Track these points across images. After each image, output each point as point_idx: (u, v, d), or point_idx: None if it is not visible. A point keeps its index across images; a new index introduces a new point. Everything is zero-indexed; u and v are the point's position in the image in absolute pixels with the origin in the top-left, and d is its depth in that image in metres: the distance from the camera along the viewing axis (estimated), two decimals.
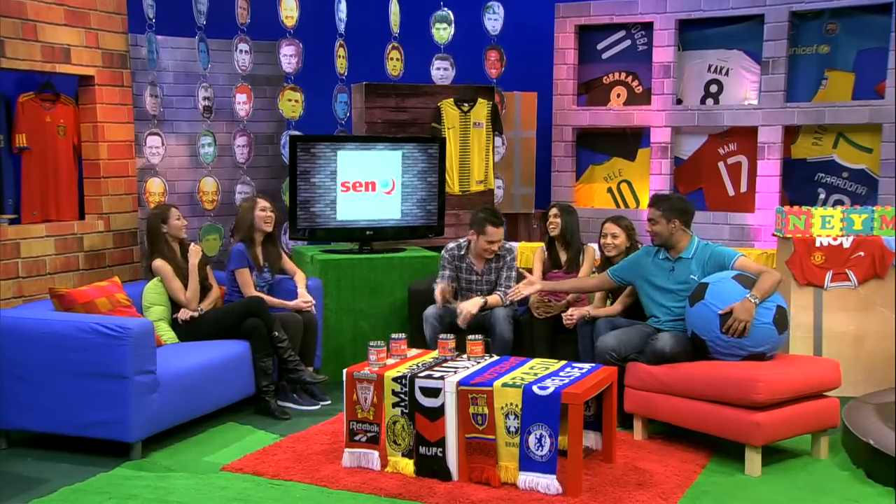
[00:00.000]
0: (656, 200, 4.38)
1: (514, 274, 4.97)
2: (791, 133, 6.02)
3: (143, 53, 5.89)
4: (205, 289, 4.87)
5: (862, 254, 4.93)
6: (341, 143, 5.66)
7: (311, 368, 4.89)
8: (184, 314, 4.70)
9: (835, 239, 4.99)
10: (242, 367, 4.59)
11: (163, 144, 5.94)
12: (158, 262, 4.73)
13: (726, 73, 6.27)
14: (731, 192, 6.29)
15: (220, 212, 6.27)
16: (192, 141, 6.28)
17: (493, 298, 4.88)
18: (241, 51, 6.16)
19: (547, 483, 3.51)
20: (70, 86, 5.55)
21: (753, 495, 3.55)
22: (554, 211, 5.07)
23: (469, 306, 4.76)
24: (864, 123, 5.74)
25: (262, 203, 4.98)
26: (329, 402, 4.79)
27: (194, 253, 4.83)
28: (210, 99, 6.15)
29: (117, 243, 5.47)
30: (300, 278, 5.09)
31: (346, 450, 3.87)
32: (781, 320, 3.97)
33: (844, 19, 5.82)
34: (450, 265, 5.01)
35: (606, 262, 4.79)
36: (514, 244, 5.44)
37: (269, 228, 4.99)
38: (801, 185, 6.03)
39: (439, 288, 4.88)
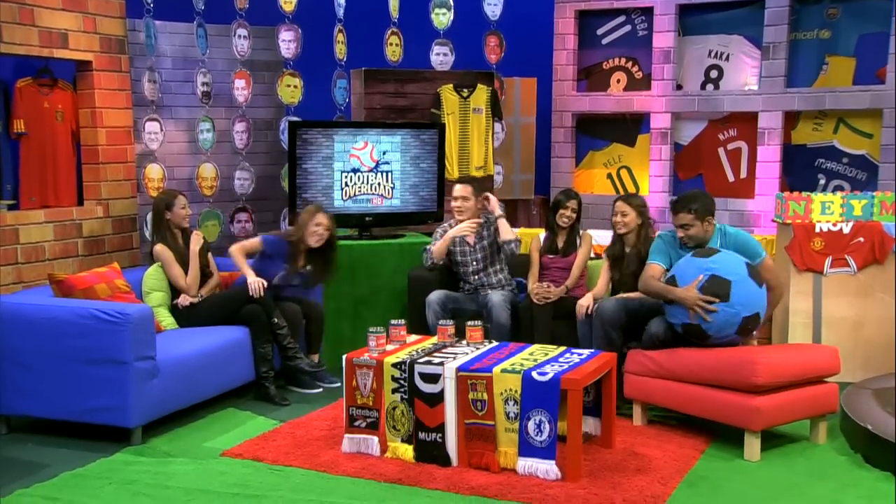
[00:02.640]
0: (685, 203, 4.17)
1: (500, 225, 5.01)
2: (791, 119, 6.00)
3: (141, 39, 5.86)
4: (205, 276, 4.87)
5: (861, 239, 4.93)
6: (340, 128, 5.65)
7: (316, 356, 4.91)
8: (184, 300, 4.70)
9: (834, 225, 4.98)
10: (242, 353, 4.60)
11: (161, 130, 5.92)
12: (159, 248, 4.73)
13: (726, 59, 6.25)
14: (731, 178, 6.28)
15: (220, 198, 6.26)
16: (191, 127, 6.26)
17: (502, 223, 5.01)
18: (239, 36, 6.13)
19: (546, 468, 3.52)
20: (68, 71, 5.53)
21: (752, 480, 3.56)
22: (573, 205, 5.01)
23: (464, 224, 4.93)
24: (865, 109, 5.72)
25: (319, 217, 4.90)
26: (338, 383, 4.79)
27: (195, 239, 4.82)
28: (209, 84, 6.13)
29: (116, 229, 5.47)
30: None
31: (346, 435, 3.88)
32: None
33: (845, 4, 5.79)
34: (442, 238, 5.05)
35: (618, 241, 4.76)
36: (514, 230, 5.42)
37: (315, 243, 4.91)
38: (801, 170, 6.02)
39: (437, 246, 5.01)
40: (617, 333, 4.33)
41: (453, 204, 5.04)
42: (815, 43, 5.91)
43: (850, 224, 4.96)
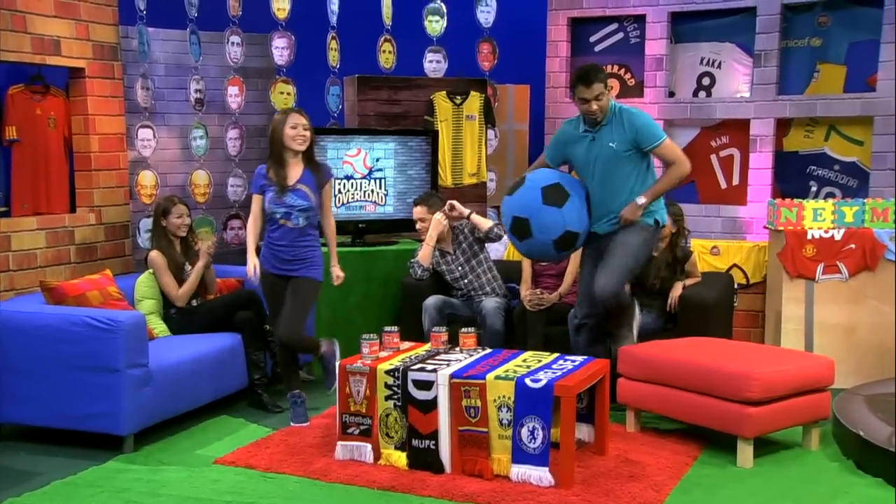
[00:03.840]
0: (596, 72, 4.11)
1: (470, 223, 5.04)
2: (783, 126, 6.03)
3: (134, 45, 5.85)
4: (203, 283, 4.83)
5: (853, 246, 4.95)
6: (333, 135, 5.65)
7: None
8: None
9: (826, 231, 5.00)
10: (235, 360, 4.59)
11: (154, 137, 5.91)
12: (154, 254, 4.72)
13: (718, 66, 6.27)
14: (723, 185, 6.29)
15: (213, 204, 6.26)
16: (184, 134, 6.25)
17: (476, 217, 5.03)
18: (232, 43, 6.14)
19: (539, 475, 3.52)
20: (60, 78, 5.52)
21: (745, 487, 3.57)
22: None
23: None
24: (856, 116, 5.75)
25: (294, 118, 4.26)
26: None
27: (204, 254, 4.76)
28: (202, 91, 6.13)
29: (109, 236, 5.45)
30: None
31: (339, 442, 3.87)
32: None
33: (836, 12, 5.82)
34: None
35: None
36: (505, 236, 5.42)
37: (300, 146, 4.27)
38: (793, 177, 6.04)
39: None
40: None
41: (419, 225, 5.06)
42: (806, 51, 5.94)
43: (842, 231, 4.98)
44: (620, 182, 4.19)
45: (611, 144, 4.18)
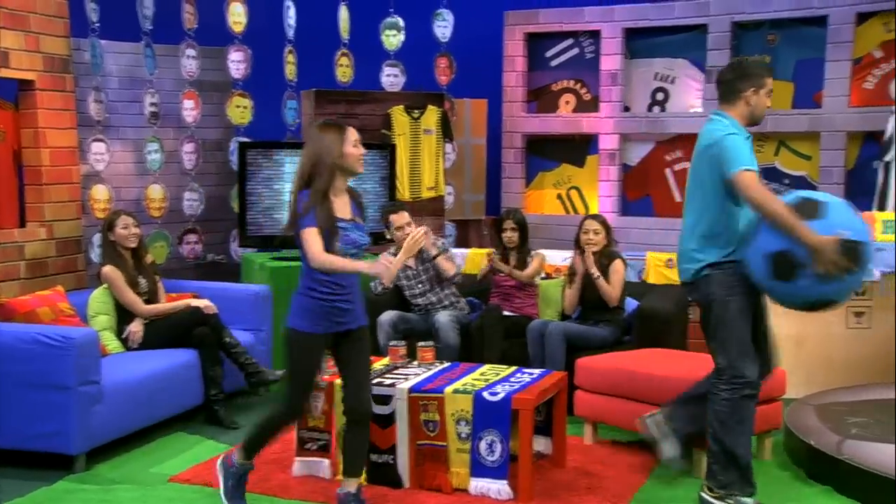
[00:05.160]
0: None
1: (438, 242, 5.04)
2: None
3: (86, 58, 5.78)
4: (152, 301, 4.77)
5: None
6: (291, 149, 5.63)
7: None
8: (134, 336, 4.59)
9: None
10: (191, 376, 4.53)
11: (108, 151, 5.83)
12: (108, 269, 4.64)
13: (672, 82, 6.39)
14: (677, 198, 6.39)
15: (168, 219, 6.18)
16: (139, 147, 6.18)
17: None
18: (188, 56, 6.09)
19: (498, 488, 3.53)
20: (9, 90, 5.41)
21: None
22: (511, 224, 5.07)
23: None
24: (804, 132, 5.89)
25: (351, 133, 3.27)
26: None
27: (199, 302, 4.69)
28: (157, 105, 6.06)
29: (60, 251, 5.35)
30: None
31: (297, 458, 3.84)
32: None
33: (783, 30, 5.97)
34: None
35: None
36: (464, 250, 5.45)
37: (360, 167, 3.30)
38: None
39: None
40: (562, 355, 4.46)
41: (400, 233, 4.84)
42: None
43: None
44: None
45: None
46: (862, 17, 5.62)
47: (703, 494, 3.41)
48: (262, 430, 3.36)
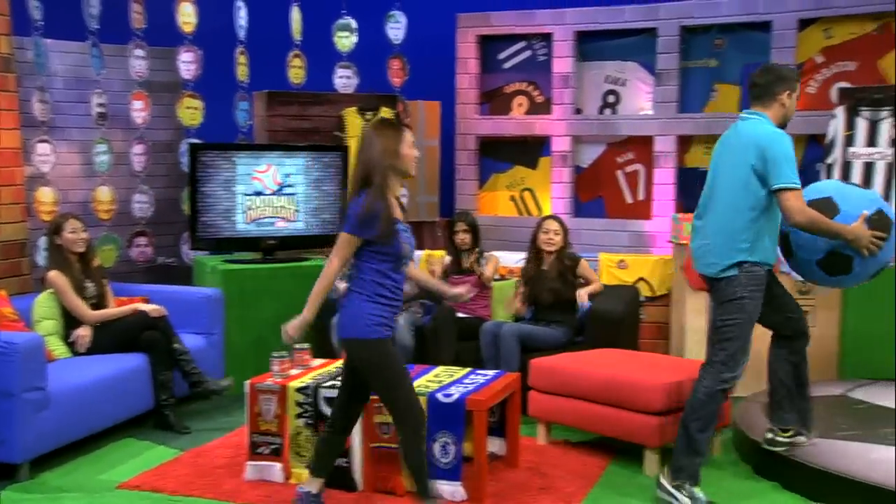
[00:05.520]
0: None
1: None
2: (684, 142, 6.24)
3: (29, 57, 5.65)
4: (101, 305, 4.69)
5: None
6: (242, 151, 5.58)
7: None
8: (81, 342, 4.50)
9: None
10: (140, 381, 4.46)
11: (53, 152, 5.71)
12: (53, 274, 4.55)
13: (623, 84, 6.46)
14: (629, 200, 6.47)
15: (117, 221, 6.07)
16: (86, 149, 6.06)
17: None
18: (136, 56, 5.99)
19: (452, 490, 3.53)
20: None
21: (653, 494, 3.65)
22: (462, 227, 5.13)
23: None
24: None
25: (408, 135, 3.23)
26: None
27: (147, 306, 4.64)
28: (104, 105, 5.95)
29: (4, 255, 5.22)
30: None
31: (249, 463, 3.81)
32: None
33: (730, 35, 6.07)
34: None
35: (533, 259, 4.95)
36: (418, 252, 5.45)
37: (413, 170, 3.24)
38: (696, 192, 6.22)
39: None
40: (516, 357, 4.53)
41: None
42: (704, 71, 6.18)
43: None
44: None
45: None
46: (804, 24, 5.75)
47: (662, 480, 3.51)
48: (416, 462, 3.14)
